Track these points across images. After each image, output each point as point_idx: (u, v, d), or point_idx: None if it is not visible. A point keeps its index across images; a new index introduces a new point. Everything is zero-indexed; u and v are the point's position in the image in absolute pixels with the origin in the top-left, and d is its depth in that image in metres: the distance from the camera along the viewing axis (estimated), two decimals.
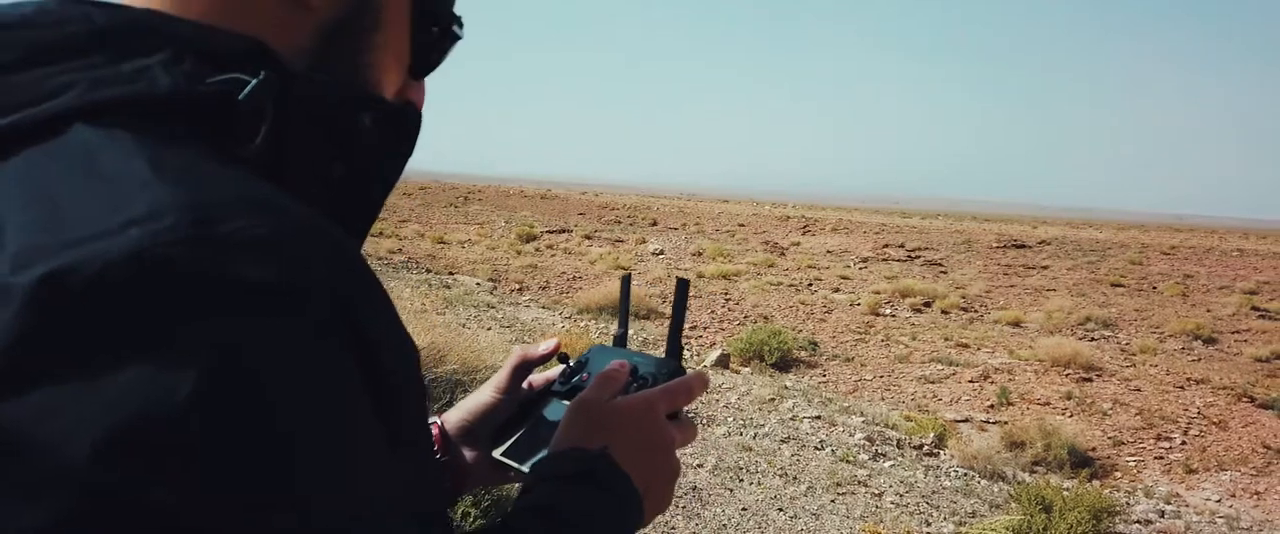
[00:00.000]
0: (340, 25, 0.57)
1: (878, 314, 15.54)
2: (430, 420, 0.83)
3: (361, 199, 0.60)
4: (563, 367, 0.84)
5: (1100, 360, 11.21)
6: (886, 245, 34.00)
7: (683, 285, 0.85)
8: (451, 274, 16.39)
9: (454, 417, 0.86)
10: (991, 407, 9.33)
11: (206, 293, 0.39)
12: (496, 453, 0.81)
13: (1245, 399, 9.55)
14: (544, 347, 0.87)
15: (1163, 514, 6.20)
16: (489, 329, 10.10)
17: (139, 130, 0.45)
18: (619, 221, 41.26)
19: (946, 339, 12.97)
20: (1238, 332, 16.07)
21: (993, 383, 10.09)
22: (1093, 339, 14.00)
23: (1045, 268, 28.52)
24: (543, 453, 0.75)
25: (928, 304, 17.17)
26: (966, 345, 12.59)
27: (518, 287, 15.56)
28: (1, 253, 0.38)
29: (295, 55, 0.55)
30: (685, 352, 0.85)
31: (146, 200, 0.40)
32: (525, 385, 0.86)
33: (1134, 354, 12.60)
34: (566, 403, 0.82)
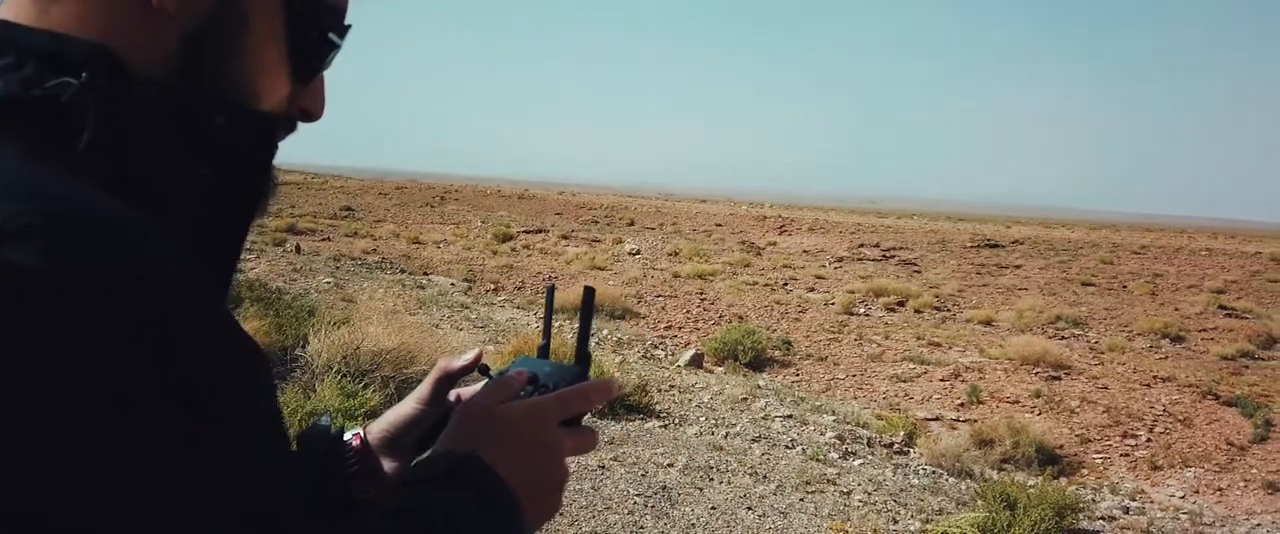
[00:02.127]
0: (203, 31, 0.58)
1: (852, 313, 15.63)
2: (352, 431, 0.84)
3: (238, 199, 0.61)
4: (487, 380, 0.83)
5: (1069, 359, 11.34)
6: (862, 245, 34.21)
7: (588, 293, 0.85)
8: (426, 274, 16.31)
9: (377, 427, 0.86)
10: (962, 405, 9.42)
11: None
12: (416, 462, 0.80)
13: (1210, 397, 9.69)
14: (464, 358, 0.87)
15: (1127, 510, 6.28)
16: (461, 330, 10.06)
17: None
18: (596, 221, 41.23)
19: (919, 338, 13.06)
20: (1205, 330, 16.31)
21: (964, 381, 10.18)
22: (1063, 338, 14.15)
23: (1018, 267, 28.80)
24: None
25: (901, 303, 17.29)
26: (939, 344, 12.69)
27: (493, 287, 15.51)
28: None
29: (160, 62, 0.57)
30: (594, 356, 0.82)
31: None
32: (451, 397, 0.86)
33: (1103, 352, 12.75)
34: None
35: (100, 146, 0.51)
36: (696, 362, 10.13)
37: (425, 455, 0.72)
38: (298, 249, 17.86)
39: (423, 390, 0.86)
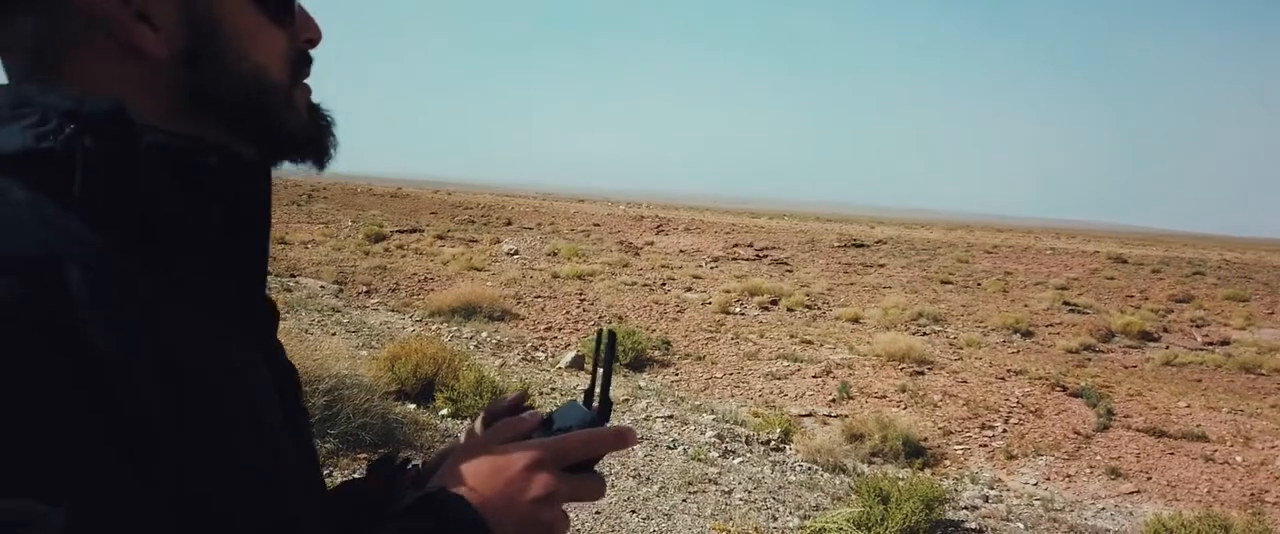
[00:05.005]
0: (189, 45, 0.66)
1: (728, 313, 15.94)
2: (413, 461, 0.87)
3: (243, 224, 0.68)
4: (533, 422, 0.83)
5: (931, 354, 11.90)
6: (736, 245, 34.97)
7: (610, 337, 0.82)
8: (293, 276, 15.64)
9: (433, 461, 0.87)
10: (833, 401, 9.75)
11: None
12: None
13: (1058, 388, 10.37)
14: (510, 399, 0.88)
15: (987, 499, 6.64)
16: (334, 334, 9.69)
17: None
18: (473, 221, 40.59)
19: (792, 336, 13.44)
20: (1051, 325, 17.47)
21: (834, 378, 10.54)
22: (924, 334, 14.87)
23: (882, 266, 30.08)
24: None
25: (775, 302, 17.77)
26: (810, 342, 13.09)
27: (366, 289, 15.02)
28: None
29: (171, 92, 0.66)
30: (607, 397, 0.83)
31: None
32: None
33: (961, 348, 13.46)
34: None
35: (98, 190, 0.57)
36: (577, 363, 10.10)
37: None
38: None
39: (474, 428, 0.87)
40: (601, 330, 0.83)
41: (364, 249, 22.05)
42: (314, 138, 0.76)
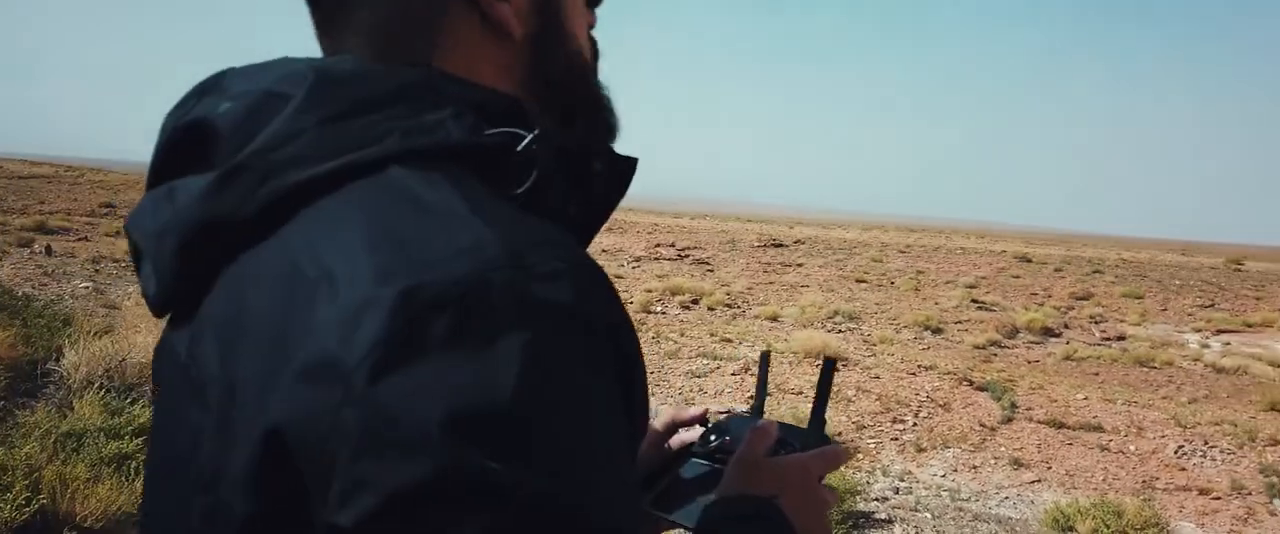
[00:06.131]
0: (542, 41, 0.69)
1: (650, 312, 16.04)
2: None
3: (586, 234, 0.71)
4: (702, 430, 0.93)
5: (846, 351, 12.20)
6: (659, 245, 35.17)
7: (828, 365, 0.95)
8: None
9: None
10: (752, 397, 9.90)
11: (521, 309, 0.50)
12: (644, 504, 0.90)
13: (965, 383, 10.74)
14: (692, 411, 0.96)
15: (897, 491, 6.85)
16: None
17: (442, 172, 0.57)
18: None
19: (712, 335, 13.61)
20: (960, 322, 18.07)
21: (753, 375, 10.71)
22: (840, 331, 15.22)
23: (800, 266, 30.67)
24: (690, 503, 0.86)
25: (696, 301, 17.95)
26: (730, 340, 13.27)
27: None
28: (359, 270, 0.50)
29: (518, 75, 0.69)
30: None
31: (470, 235, 0.52)
32: (673, 444, 0.96)
33: (875, 344, 13.82)
34: (703, 462, 0.92)
35: (535, 187, 0.62)
36: None
37: (697, 502, 0.85)
38: (48, 250, 16.03)
39: (652, 435, 0.95)
40: (826, 358, 0.96)
41: None
42: (613, 122, 0.76)
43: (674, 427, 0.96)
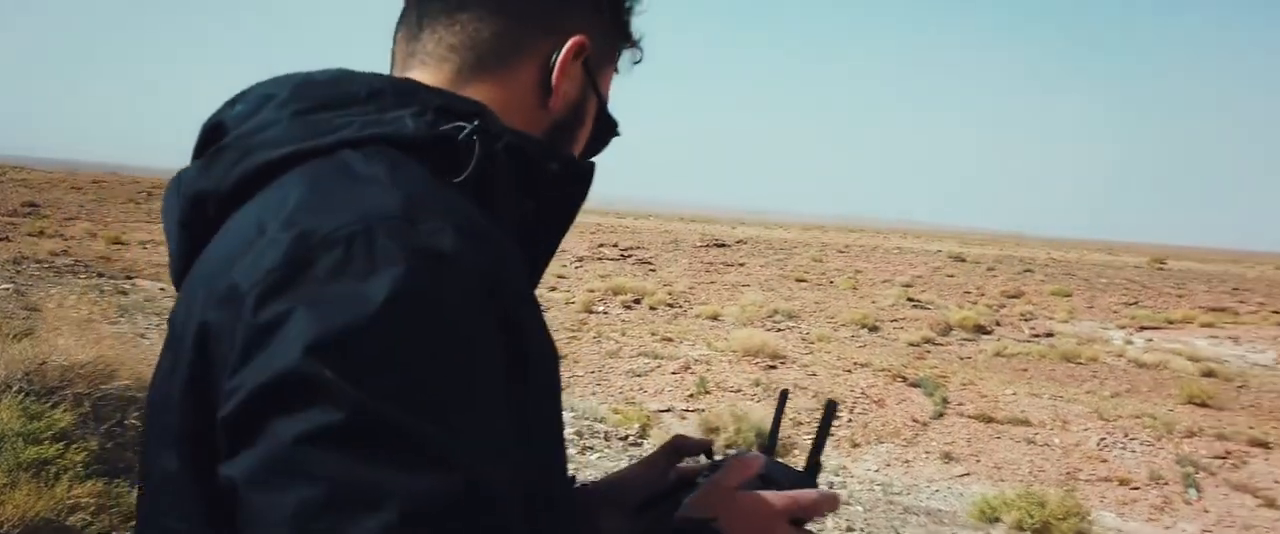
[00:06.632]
0: (565, 123, 0.84)
1: (591, 312, 16.04)
2: (579, 483, 0.95)
3: (544, 232, 0.81)
4: (708, 461, 0.93)
5: (785, 349, 12.35)
6: (602, 245, 35.17)
7: (830, 406, 0.95)
8: (129, 278, 14.70)
9: (602, 484, 0.99)
10: (691, 396, 9.99)
11: (399, 252, 0.57)
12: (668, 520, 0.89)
13: (899, 379, 10.97)
14: (697, 440, 1.00)
15: (831, 485, 6.97)
16: None
17: (386, 155, 0.66)
18: None
19: (653, 334, 13.67)
20: (896, 320, 18.43)
21: (693, 374, 10.79)
22: (779, 330, 15.42)
23: (742, 265, 30.96)
24: None
25: (638, 301, 18.01)
26: (671, 339, 13.34)
27: None
28: (247, 252, 0.60)
29: (530, 128, 0.80)
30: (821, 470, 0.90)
31: (377, 196, 0.61)
32: (672, 473, 0.97)
33: (813, 342, 14.02)
34: None
35: (472, 176, 0.69)
36: None
37: (673, 514, 0.85)
38: None
39: (655, 458, 0.99)
40: (828, 401, 0.96)
41: None
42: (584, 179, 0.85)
43: (677, 452, 0.98)
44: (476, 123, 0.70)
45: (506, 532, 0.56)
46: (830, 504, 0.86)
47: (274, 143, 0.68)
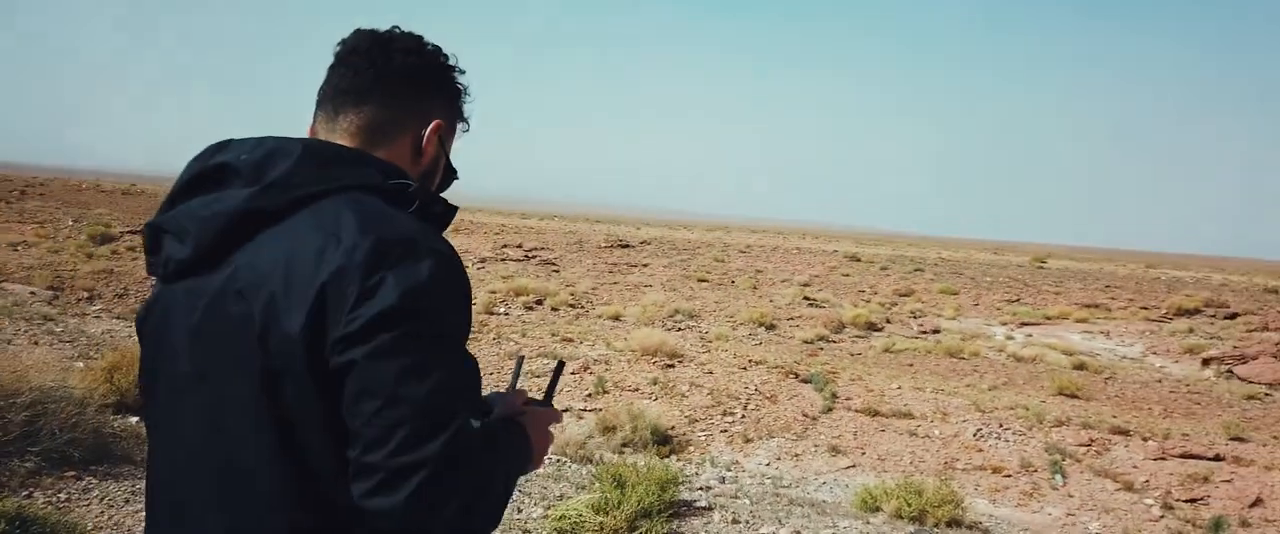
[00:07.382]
0: (428, 174, 1.41)
1: (492, 313, 15.95)
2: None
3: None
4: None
5: (683, 348, 12.55)
6: (505, 245, 34.89)
7: (559, 365, 1.62)
8: None
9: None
10: (590, 395, 10.06)
11: (429, 251, 1.14)
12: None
13: (792, 376, 11.28)
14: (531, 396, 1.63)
15: (723, 480, 7.14)
16: (40, 344, 8.75)
17: (375, 196, 1.22)
18: None
19: (554, 334, 13.69)
20: (792, 318, 18.90)
21: (592, 373, 10.86)
22: (679, 329, 15.63)
23: (645, 266, 31.18)
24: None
25: (540, 302, 17.97)
26: (571, 339, 13.39)
27: (87, 295, 13.60)
28: (338, 247, 1.11)
29: (413, 173, 1.38)
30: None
31: (406, 223, 1.19)
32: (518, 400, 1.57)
33: (711, 341, 14.27)
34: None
35: (417, 210, 1.27)
36: None
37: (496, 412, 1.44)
38: None
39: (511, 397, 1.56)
40: (560, 361, 1.65)
41: (87, 251, 19.88)
42: (450, 215, 1.41)
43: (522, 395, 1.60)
44: (413, 185, 1.27)
45: (477, 390, 1.18)
46: (556, 416, 1.52)
47: (308, 183, 1.18)
